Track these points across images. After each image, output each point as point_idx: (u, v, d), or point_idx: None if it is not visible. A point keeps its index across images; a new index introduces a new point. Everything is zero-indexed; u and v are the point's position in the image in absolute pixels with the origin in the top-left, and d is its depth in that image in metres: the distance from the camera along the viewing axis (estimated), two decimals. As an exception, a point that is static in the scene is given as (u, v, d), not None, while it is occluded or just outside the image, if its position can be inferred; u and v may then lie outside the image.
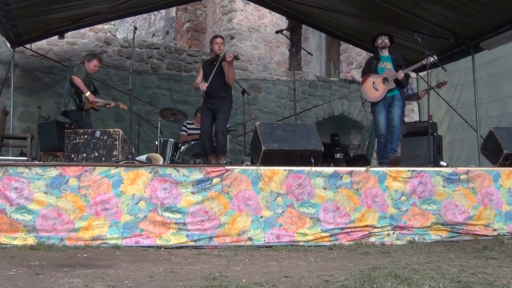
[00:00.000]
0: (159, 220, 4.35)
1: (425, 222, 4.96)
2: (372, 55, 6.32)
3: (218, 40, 6.07)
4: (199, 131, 6.97)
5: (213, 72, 5.84)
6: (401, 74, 5.88)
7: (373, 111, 6.37)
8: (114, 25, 9.46)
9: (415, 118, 9.66)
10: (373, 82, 6.00)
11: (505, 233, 5.11)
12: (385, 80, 5.95)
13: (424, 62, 5.90)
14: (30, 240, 4.08)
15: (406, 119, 6.57)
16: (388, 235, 4.85)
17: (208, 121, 6.07)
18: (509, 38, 7.00)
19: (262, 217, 4.58)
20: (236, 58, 5.96)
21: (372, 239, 4.77)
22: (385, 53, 6.15)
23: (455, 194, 5.11)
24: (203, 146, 6.16)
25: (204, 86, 5.88)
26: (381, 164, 5.96)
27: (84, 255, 3.75)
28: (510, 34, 6.83)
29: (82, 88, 6.02)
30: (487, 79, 9.62)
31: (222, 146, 5.99)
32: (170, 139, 6.88)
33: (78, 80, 6.02)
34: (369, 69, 6.14)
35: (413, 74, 8.84)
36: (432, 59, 5.86)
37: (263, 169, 4.67)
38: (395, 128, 5.94)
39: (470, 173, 5.21)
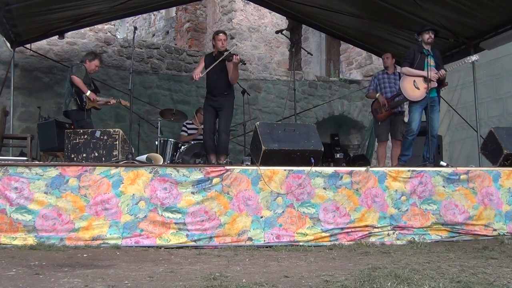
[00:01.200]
0: (159, 220, 4.35)
1: (425, 222, 4.96)
2: (415, 45, 6.08)
3: (221, 36, 5.92)
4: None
5: (212, 66, 5.73)
6: (443, 73, 5.73)
7: (375, 107, 6.27)
8: (114, 25, 9.47)
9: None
10: (414, 81, 5.83)
11: (505, 233, 5.10)
12: (426, 78, 5.76)
13: (466, 61, 5.87)
14: (30, 240, 4.08)
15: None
16: (388, 235, 4.84)
17: (211, 119, 6.03)
18: (509, 38, 7.00)
19: (262, 217, 4.58)
20: (243, 62, 5.89)
21: (372, 239, 4.77)
22: (429, 48, 5.95)
23: (455, 194, 5.11)
24: (205, 144, 6.12)
25: (197, 75, 5.75)
26: (400, 161, 5.92)
27: (84, 255, 3.75)
28: (510, 34, 6.82)
29: (82, 87, 6.01)
30: (487, 79, 9.61)
31: (224, 146, 5.96)
32: (170, 139, 6.88)
33: (78, 80, 6.00)
34: (413, 60, 5.89)
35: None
36: (474, 58, 5.84)
37: (263, 169, 4.67)
38: (435, 138, 5.80)
39: (470, 173, 5.21)
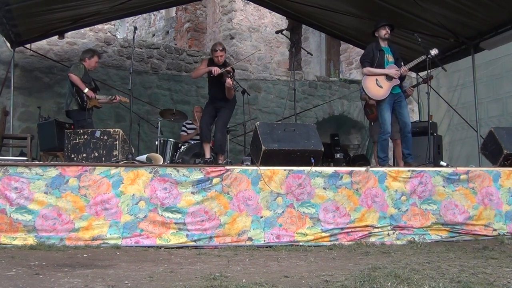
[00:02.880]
0: (159, 220, 4.35)
1: (425, 222, 4.96)
2: (372, 43, 6.03)
3: (219, 53, 5.92)
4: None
5: (214, 75, 5.82)
6: (406, 70, 5.72)
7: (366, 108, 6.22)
8: (114, 25, 9.46)
9: (415, 118, 9.66)
10: (376, 79, 5.78)
11: (505, 233, 5.11)
12: (388, 76, 5.76)
13: (424, 57, 5.79)
14: (30, 240, 4.08)
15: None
16: (388, 235, 4.85)
17: (209, 113, 6.13)
18: (509, 38, 7.00)
19: (262, 217, 4.58)
20: (234, 89, 5.86)
21: (372, 239, 4.77)
22: (386, 44, 5.93)
23: (455, 194, 5.11)
24: (200, 132, 6.19)
25: (216, 70, 5.76)
26: (383, 162, 5.92)
27: (84, 255, 3.75)
28: (510, 34, 6.83)
29: (79, 85, 5.99)
30: (487, 79, 9.62)
31: (221, 144, 6.00)
32: (170, 139, 6.89)
33: (75, 78, 5.99)
34: (372, 59, 5.86)
35: (412, 74, 8.85)
36: (433, 52, 5.75)
37: (263, 169, 4.67)
38: (410, 134, 5.80)
39: (470, 173, 5.21)
